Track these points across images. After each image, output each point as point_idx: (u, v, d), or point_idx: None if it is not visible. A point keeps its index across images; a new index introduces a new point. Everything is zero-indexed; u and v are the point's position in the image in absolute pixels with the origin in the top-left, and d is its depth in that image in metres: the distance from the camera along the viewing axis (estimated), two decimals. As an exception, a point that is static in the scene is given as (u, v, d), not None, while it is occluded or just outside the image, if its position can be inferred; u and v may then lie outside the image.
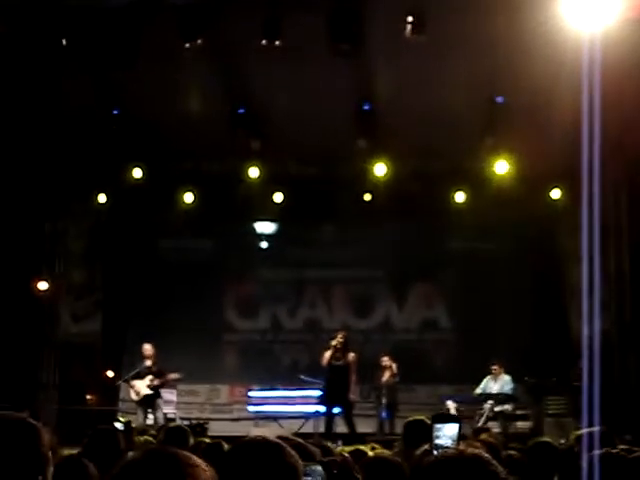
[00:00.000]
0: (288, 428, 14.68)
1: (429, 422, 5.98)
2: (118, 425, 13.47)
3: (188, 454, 2.05)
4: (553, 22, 10.12)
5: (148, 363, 14.32)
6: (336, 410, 14.10)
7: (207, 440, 7.11)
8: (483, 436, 6.95)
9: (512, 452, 6.04)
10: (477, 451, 2.38)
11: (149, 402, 14.11)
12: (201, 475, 2.00)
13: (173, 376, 14.42)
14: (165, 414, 14.50)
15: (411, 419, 6.03)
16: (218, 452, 5.30)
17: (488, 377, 14.93)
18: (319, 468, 2.67)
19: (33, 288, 15.91)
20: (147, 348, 14.42)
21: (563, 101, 11.35)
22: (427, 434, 5.75)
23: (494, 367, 14.88)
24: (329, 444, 5.67)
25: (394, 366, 15.13)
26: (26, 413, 2.55)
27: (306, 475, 2.64)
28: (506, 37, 10.99)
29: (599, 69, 10.64)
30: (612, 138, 12.43)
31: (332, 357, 14.01)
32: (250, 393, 17.15)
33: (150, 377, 14.14)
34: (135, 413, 14.40)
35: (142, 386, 14.11)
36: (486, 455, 2.32)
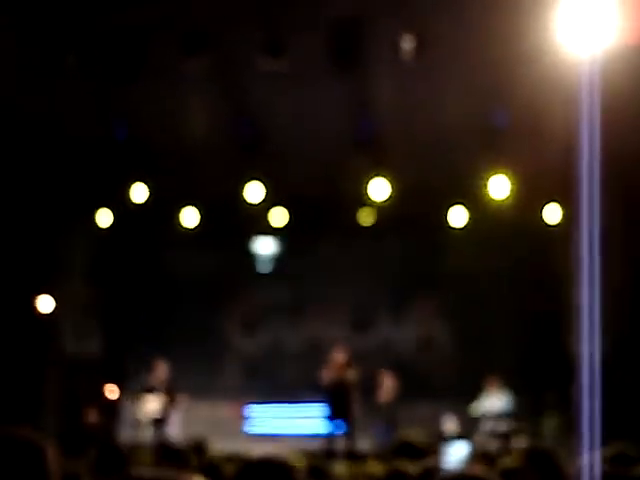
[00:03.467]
0: (289, 446, 14.70)
1: (423, 441, 6.05)
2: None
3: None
4: (551, 43, 10.22)
5: (159, 382, 14.36)
6: (339, 427, 14.11)
7: (207, 458, 7.16)
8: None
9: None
10: (479, 471, 2.40)
11: (158, 421, 14.13)
12: None
13: (181, 398, 14.45)
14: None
15: (404, 439, 6.08)
16: (217, 471, 5.35)
17: (486, 394, 14.97)
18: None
19: (36, 306, 15.95)
20: (161, 367, 14.45)
21: (561, 121, 11.43)
22: (419, 453, 5.82)
23: (490, 383, 14.93)
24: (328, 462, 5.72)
25: (393, 383, 15.17)
26: (29, 430, 2.56)
27: None
28: (504, 57, 11.09)
29: (597, 89, 10.74)
30: (609, 156, 12.53)
31: (334, 374, 14.03)
32: (250, 410, 17.17)
33: (160, 396, 14.16)
34: (138, 430, 14.42)
35: (152, 405, 14.13)
36: (488, 475, 2.34)
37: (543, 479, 5.39)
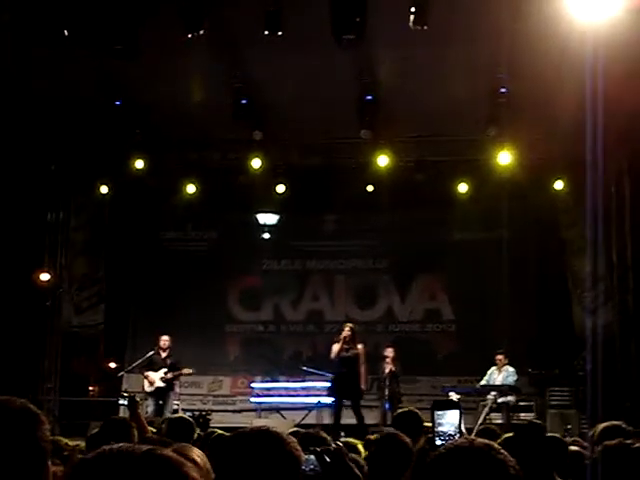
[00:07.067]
0: (291, 420, 14.72)
1: (419, 413, 5.97)
2: (122, 401, 13.50)
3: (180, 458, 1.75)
4: (557, 12, 10.10)
5: (163, 355, 14.35)
6: (344, 401, 14.09)
7: (211, 431, 7.10)
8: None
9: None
10: (487, 441, 2.34)
11: (161, 394, 14.13)
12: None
13: (186, 371, 14.43)
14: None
15: (400, 411, 6.02)
16: (217, 444, 5.29)
17: (492, 368, 14.93)
18: (312, 457, 2.67)
19: (36, 279, 15.92)
20: (165, 339, 14.45)
21: (567, 91, 11.32)
22: (418, 425, 5.74)
23: (498, 357, 14.87)
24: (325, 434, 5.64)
25: (396, 357, 15.13)
26: (25, 400, 2.52)
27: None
28: (510, 27, 10.96)
29: (602, 59, 10.62)
30: (615, 128, 12.43)
31: (341, 349, 13.99)
32: (253, 385, 17.15)
33: (164, 370, 14.16)
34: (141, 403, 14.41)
35: (156, 378, 14.13)
36: (496, 445, 2.28)
37: (529, 451, 5.35)
